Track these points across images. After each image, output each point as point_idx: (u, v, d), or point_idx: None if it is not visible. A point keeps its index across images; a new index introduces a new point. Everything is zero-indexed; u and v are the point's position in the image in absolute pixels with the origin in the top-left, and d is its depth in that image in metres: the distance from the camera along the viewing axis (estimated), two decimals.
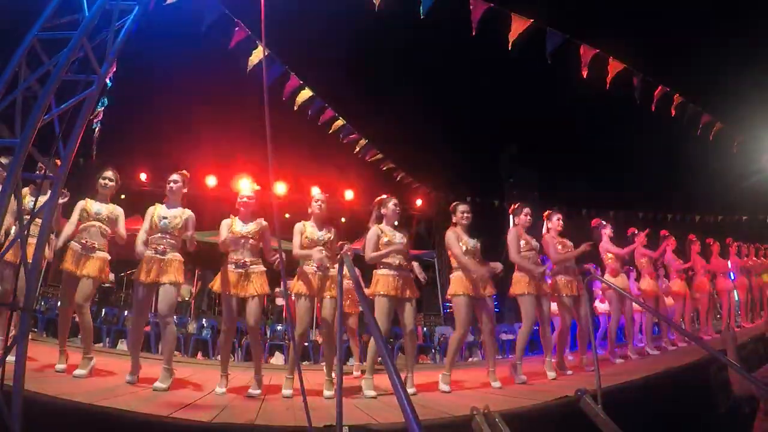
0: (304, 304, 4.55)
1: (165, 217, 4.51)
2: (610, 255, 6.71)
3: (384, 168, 12.15)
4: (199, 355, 9.44)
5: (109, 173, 4.89)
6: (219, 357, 5.01)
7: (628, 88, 6.94)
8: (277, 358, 9.55)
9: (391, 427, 3.04)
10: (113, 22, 3.43)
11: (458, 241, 4.99)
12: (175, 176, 4.68)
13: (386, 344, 2.01)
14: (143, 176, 13.46)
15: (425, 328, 12.22)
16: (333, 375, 4.59)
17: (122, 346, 8.79)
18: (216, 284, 4.58)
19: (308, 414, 2.67)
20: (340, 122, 9.26)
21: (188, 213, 4.63)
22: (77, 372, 4.37)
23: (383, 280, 4.72)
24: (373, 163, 11.45)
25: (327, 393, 4.38)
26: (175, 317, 10.25)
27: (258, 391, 4.36)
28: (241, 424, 3.09)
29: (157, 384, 4.11)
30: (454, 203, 5.30)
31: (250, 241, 4.58)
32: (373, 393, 4.39)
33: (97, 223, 4.70)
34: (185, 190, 4.76)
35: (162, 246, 4.44)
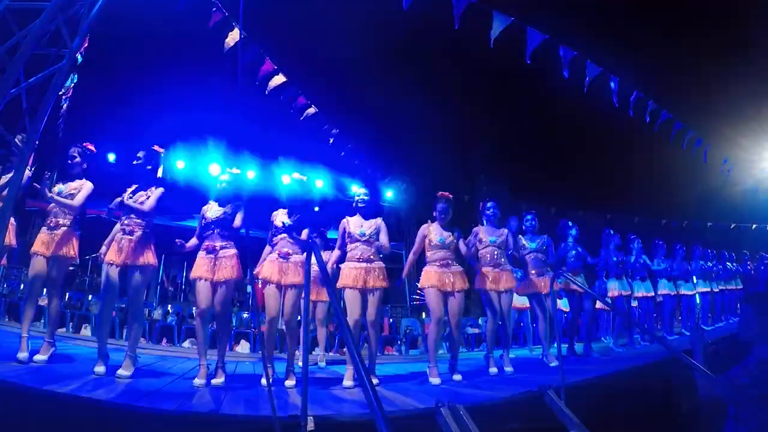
0: (269, 291, 4.50)
1: (131, 195, 4.42)
2: (572, 254, 6.84)
3: (357, 162, 12.14)
4: (164, 341, 9.28)
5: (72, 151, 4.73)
6: (184, 344, 4.92)
7: (605, 92, 7.05)
8: (243, 347, 9.43)
9: (357, 419, 3.04)
10: None
11: (425, 237, 5.09)
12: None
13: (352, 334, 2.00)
14: (112, 157, 13.04)
15: (392, 320, 12.18)
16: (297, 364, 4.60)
17: (86, 331, 8.59)
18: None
19: (273, 403, 2.65)
20: (311, 110, 9.23)
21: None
22: (37, 357, 4.19)
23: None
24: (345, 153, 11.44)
25: (288, 383, 4.36)
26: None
27: (221, 380, 4.28)
28: (206, 413, 3.06)
29: (120, 372, 4.00)
30: (439, 195, 5.24)
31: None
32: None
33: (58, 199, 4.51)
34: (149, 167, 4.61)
35: (130, 226, 4.29)
